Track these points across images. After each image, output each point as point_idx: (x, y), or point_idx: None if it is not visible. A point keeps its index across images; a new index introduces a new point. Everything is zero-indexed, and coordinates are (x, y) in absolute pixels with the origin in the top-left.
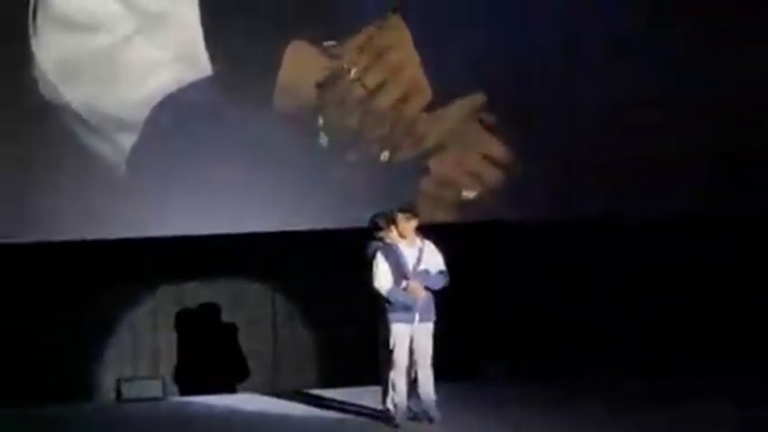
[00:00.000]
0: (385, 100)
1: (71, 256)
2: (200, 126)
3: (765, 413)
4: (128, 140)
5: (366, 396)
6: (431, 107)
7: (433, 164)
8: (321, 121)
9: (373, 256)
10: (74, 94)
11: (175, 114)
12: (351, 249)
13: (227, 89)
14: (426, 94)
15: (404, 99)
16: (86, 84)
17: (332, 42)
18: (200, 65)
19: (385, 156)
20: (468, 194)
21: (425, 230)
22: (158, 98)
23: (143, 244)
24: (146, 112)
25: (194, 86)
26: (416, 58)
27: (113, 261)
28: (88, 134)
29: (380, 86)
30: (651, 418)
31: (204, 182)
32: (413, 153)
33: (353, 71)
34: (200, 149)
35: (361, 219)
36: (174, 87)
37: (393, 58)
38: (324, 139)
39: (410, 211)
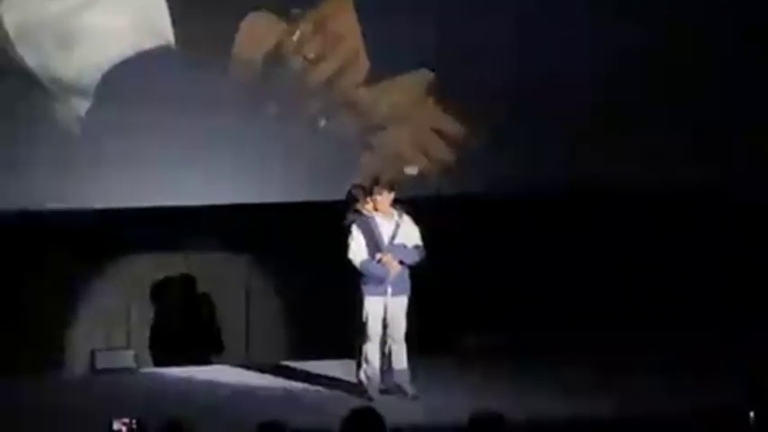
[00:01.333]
0: (322, 71)
1: (42, 226)
2: (158, 95)
3: None
4: (83, 105)
5: (340, 369)
6: (368, 81)
7: (378, 139)
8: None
9: (349, 228)
10: (31, 56)
11: (132, 82)
12: (325, 221)
13: (185, 58)
14: (363, 66)
15: (340, 71)
16: (44, 46)
17: (298, 10)
18: (160, 33)
19: (322, 124)
20: (411, 171)
21: (407, 204)
22: (116, 64)
23: (115, 215)
24: (101, 78)
25: (152, 54)
26: (357, 29)
27: (86, 232)
28: (43, 97)
29: (320, 57)
30: (630, 388)
31: (162, 153)
32: (357, 127)
33: (296, 41)
34: (158, 118)
35: (332, 192)
36: (131, 54)
37: (334, 29)
38: (273, 110)
39: (385, 184)
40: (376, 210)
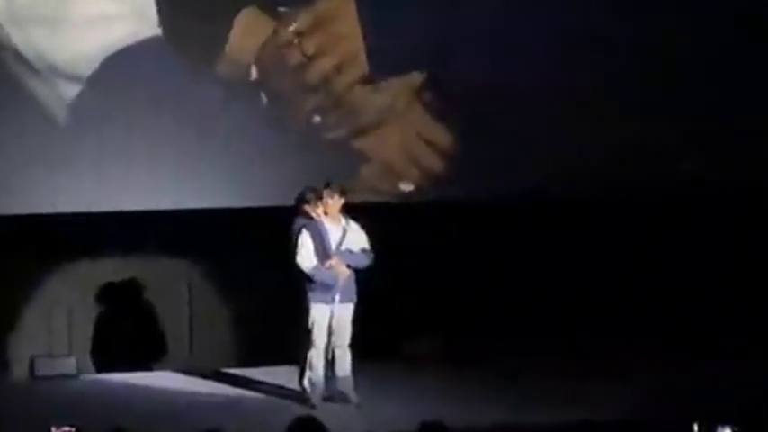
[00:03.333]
0: (319, 68)
1: None
2: (144, 87)
3: None
4: (71, 91)
5: (283, 375)
6: (366, 81)
7: (369, 144)
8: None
9: (298, 232)
10: (21, 37)
11: (122, 71)
12: (270, 227)
13: (178, 51)
14: (362, 67)
15: (338, 69)
16: (37, 28)
17: (285, 9)
18: (155, 23)
19: (317, 120)
20: (406, 187)
21: (355, 210)
22: (108, 52)
23: (57, 218)
24: (93, 65)
25: (146, 45)
26: (358, 30)
27: (28, 237)
28: (31, 79)
29: (318, 54)
30: (571, 397)
31: (119, 155)
32: (347, 128)
33: (294, 37)
34: (135, 116)
35: (286, 196)
36: (125, 43)
37: (335, 28)
38: (264, 106)
39: (336, 188)
40: (325, 214)
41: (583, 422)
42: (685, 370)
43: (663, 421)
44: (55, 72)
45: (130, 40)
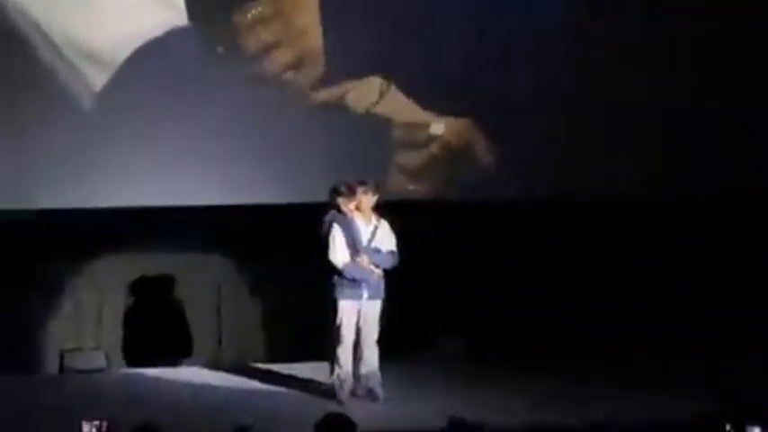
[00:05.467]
0: (274, 61)
1: (12, 225)
2: (172, 77)
3: None
4: (99, 78)
5: (311, 371)
6: (321, 82)
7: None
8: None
9: (329, 227)
10: (51, 22)
11: (151, 60)
12: (299, 223)
13: (206, 40)
14: (317, 67)
15: (295, 65)
16: (67, 13)
17: None
18: (184, 13)
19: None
20: (437, 129)
21: (385, 206)
22: (138, 40)
23: (86, 213)
24: (123, 52)
25: (175, 34)
26: (319, 29)
27: (57, 232)
28: (59, 64)
29: (274, 45)
30: (606, 396)
31: (148, 147)
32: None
33: (253, 23)
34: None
35: (317, 192)
36: (155, 32)
37: (296, 21)
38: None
39: (371, 186)
40: (358, 210)
41: (611, 420)
42: (717, 368)
43: (692, 421)
44: (83, 58)
45: (159, 30)
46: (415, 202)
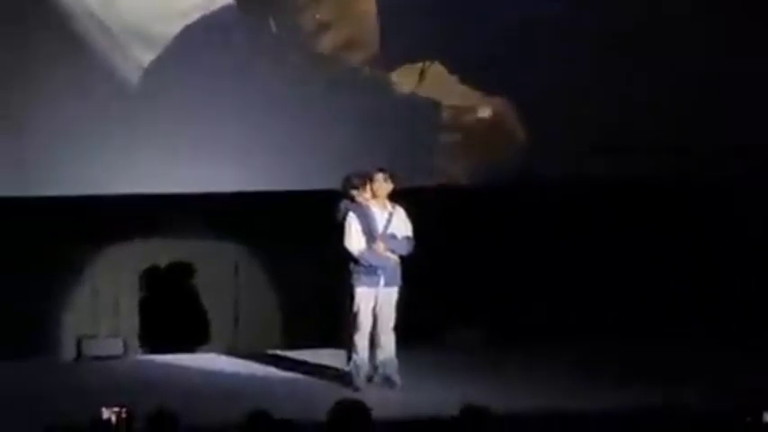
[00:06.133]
0: (328, 41)
1: (31, 211)
2: (212, 59)
3: None
4: (145, 56)
5: (327, 358)
6: (374, 63)
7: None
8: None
9: (345, 215)
10: None
11: (197, 38)
12: (316, 210)
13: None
14: (372, 47)
15: (348, 45)
16: None
17: None
18: None
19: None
20: (484, 113)
21: (401, 193)
22: (185, 17)
23: (104, 199)
24: (170, 30)
25: (221, 13)
26: (374, 8)
27: (74, 218)
28: (104, 40)
29: (328, 24)
30: (623, 383)
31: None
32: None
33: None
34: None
35: (335, 179)
36: (202, 10)
37: (351, 2)
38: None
39: (387, 173)
40: (374, 197)
41: (630, 408)
42: (730, 359)
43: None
44: (130, 35)
45: (206, 9)
46: (432, 188)
